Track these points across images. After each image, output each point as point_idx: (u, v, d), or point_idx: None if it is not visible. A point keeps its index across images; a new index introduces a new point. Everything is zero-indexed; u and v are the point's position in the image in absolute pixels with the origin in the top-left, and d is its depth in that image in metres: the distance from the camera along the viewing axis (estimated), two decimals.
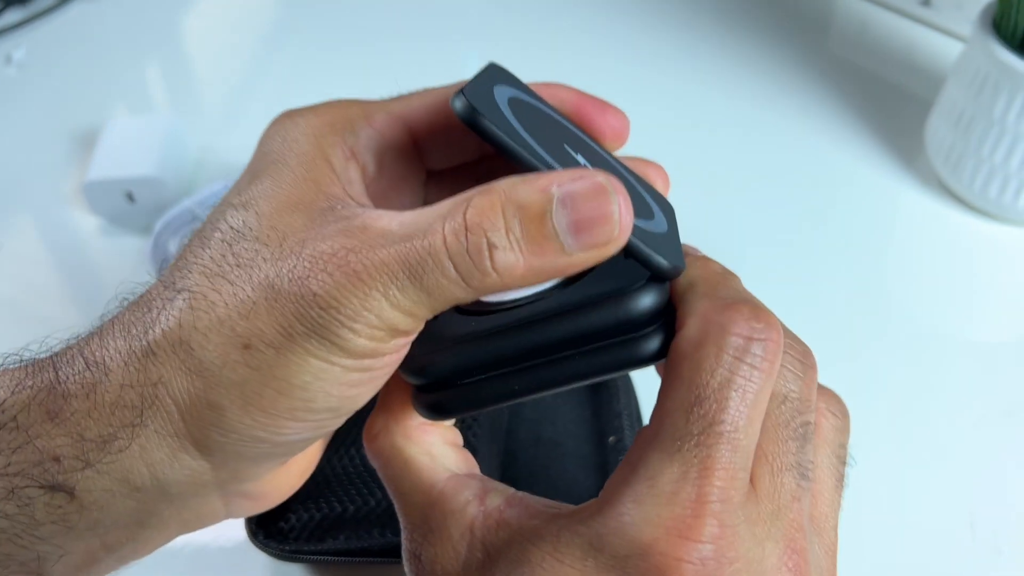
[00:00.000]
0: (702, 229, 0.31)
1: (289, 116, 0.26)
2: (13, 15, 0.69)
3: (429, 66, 0.62)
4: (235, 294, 0.22)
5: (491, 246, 0.21)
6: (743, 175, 0.53)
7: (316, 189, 0.24)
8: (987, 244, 0.48)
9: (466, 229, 0.21)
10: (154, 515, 0.23)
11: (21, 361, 0.23)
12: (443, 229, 0.21)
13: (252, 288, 0.22)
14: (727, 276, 0.24)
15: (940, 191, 0.51)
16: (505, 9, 0.68)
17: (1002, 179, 0.47)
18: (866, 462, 0.39)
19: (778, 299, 0.25)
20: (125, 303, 0.24)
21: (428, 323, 0.23)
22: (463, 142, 0.28)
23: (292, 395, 0.22)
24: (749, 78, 0.60)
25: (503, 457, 0.39)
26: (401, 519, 0.25)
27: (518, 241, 0.21)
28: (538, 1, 0.68)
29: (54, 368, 0.23)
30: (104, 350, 0.23)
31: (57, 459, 0.21)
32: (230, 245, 0.23)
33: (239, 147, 0.57)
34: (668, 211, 0.27)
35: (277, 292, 0.21)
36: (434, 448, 0.26)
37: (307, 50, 0.65)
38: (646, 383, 0.41)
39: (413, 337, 0.23)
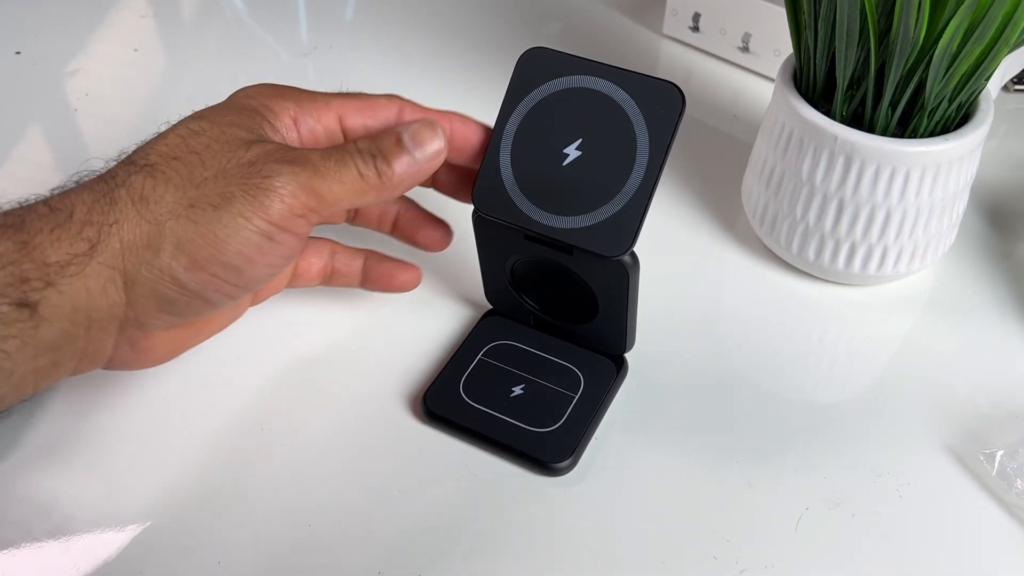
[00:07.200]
0: None
1: (256, 85, 0.36)
2: None
3: None
4: (190, 172, 0.30)
5: (384, 152, 0.33)
6: None
7: (259, 126, 0.33)
8: (812, 306, 0.45)
9: (370, 142, 0.33)
10: (75, 340, 0.29)
11: None
12: (357, 143, 0.33)
13: (204, 168, 0.30)
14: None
15: (762, 252, 0.48)
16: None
17: (818, 240, 0.43)
18: (682, 532, 0.36)
19: None
20: (83, 179, 0.31)
21: None
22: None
23: (215, 247, 0.29)
24: None
25: None
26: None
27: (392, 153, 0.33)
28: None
29: (21, 214, 0.29)
30: (67, 200, 0.29)
31: (26, 280, 0.27)
32: (186, 140, 0.31)
33: None
34: (656, 156, 0.34)
35: (226, 172, 0.30)
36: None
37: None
38: None
39: (312, 224, 0.32)
